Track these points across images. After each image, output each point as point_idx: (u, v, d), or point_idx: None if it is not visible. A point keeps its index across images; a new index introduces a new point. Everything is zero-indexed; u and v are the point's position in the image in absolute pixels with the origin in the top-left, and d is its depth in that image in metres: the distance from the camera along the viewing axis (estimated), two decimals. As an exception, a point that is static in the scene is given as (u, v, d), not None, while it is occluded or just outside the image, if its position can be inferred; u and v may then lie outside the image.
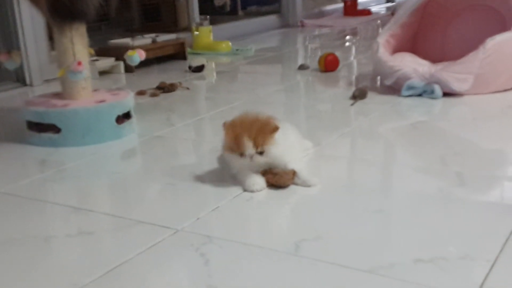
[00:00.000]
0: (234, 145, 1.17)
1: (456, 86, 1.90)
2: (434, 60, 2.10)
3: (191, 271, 0.90)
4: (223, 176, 1.29)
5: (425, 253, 0.92)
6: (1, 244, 1.02)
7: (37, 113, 1.59)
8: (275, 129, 1.17)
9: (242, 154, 1.17)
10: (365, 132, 1.63)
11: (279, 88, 2.26)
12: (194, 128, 1.75)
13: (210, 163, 1.38)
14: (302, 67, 2.58)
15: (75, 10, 1.54)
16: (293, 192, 1.20)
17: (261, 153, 1.17)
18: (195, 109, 2.01)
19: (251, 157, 1.17)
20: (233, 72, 2.67)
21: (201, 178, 1.30)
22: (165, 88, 2.23)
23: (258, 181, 1.20)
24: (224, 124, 1.19)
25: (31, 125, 1.62)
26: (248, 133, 1.15)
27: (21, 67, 2.39)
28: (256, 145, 1.16)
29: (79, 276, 0.89)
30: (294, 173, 1.22)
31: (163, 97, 2.16)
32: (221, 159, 1.33)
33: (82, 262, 0.95)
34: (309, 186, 1.21)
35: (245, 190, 1.20)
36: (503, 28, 2.01)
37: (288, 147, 1.23)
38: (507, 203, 1.12)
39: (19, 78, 2.47)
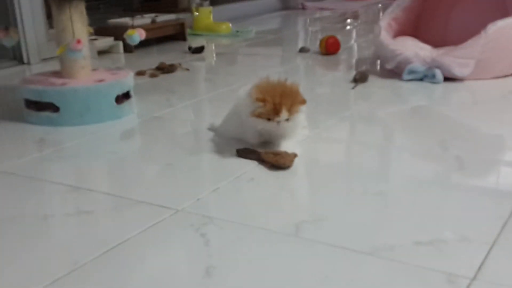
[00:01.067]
0: (271, 111, 1.19)
1: (457, 71, 1.89)
2: (435, 44, 2.08)
3: (191, 251, 0.90)
4: (224, 157, 1.28)
5: (424, 236, 0.92)
6: (0, 222, 1.02)
7: (35, 91, 1.58)
8: (304, 101, 1.23)
9: (270, 119, 1.21)
10: (365, 116, 1.63)
11: (279, 71, 2.25)
12: (193, 109, 1.74)
13: (210, 144, 1.37)
14: (302, 50, 2.57)
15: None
16: (293, 174, 1.19)
17: (287, 119, 1.22)
18: (194, 90, 1.99)
19: (279, 122, 1.21)
20: (233, 54, 2.65)
21: (201, 159, 1.29)
22: (164, 69, 2.21)
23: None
24: (257, 90, 1.21)
25: (29, 104, 1.61)
26: (286, 102, 1.19)
27: (18, 45, 2.37)
28: (290, 113, 1.21)
29: (78, 254, 0.89)
30: (295, 155, 1.22)
31: (162, 77, 2.14)
32: (227, 124, 1.38)
33: (81, 241, 0.95)
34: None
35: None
36: (505, 14, 2.00)
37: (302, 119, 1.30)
38: (505, 187, 1.12)
39: (16, 56, 2.44)
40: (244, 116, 1.26)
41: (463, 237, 0.92)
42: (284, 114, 1.20)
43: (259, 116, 1.21)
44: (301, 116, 1.27)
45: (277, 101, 1.19)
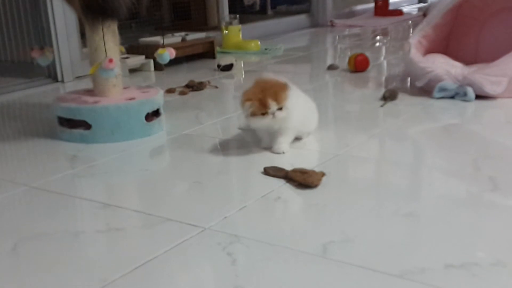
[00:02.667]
0: (260, 107, 1.32)
1: (489, 89, 1.86)
2: (467, 62, 2.06)
3: (218, 270, 0.90)
4: (251, 175, 1.29)
5: (456, 259, 0.90)
6: (32, 238, 1.04)
7: (68, 109, 1.61)
8: (286, 86, 1.35)
9: (264, 113, 1.33)
10: (395, 134, 1.61)
11: (307, 88, 2.25)
12: (221, 126, 1.75)
13: (237, 162, 1.38)
14: (331, 67, 2.56)
15: (107, 7, 1.55)
16: (321, 192, 1.19)
17: (280, 108, 1.33)
18: (223, 107, 2.01)
19: (273, 114, 1.33)
20: (262, 71, 2.67)
21: (228, 177, 1.30)
22: (194, 87, 2.24)
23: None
24: (244, 94, 1.35)
25: (62, 121, 1.65)
26: (269, 94, 1.32)
27: (53, 64, 2.44)
28: (277, 102, 1.32)
29: (108, 271, 0.90)
30: (323, 174, 1.21)
31: (191, 95, 2.17)
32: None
33: (110, 257, 0.96)
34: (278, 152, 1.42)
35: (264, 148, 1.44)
36: (539, 30, 1.96)
37: (299, 104, 1.42)
38: (542, 210, 1.09)
39: (51, 74, 2.51)
40: (246, 122, 1.43)
41: (497, 261, 0.89)
42: (272, 104, 1.31)
43: (253, 115, 1.33)
44: (292, 100, 1.36)
45: (261, 96, 1.31)
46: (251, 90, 1.35)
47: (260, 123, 1.36)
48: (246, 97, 1.33)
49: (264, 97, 1.31)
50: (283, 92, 1.33)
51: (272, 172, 1.26)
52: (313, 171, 1.22)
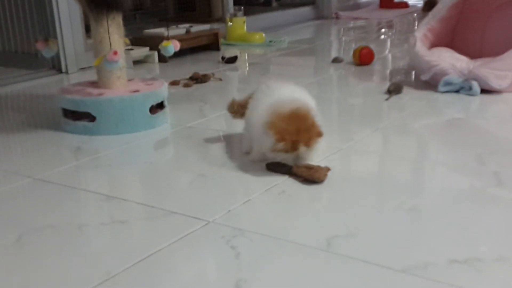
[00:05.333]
0: (289, 149, 1.19)
1: (495, 83, 1.85)
2: (472, 56, 2.05)
3: (222, 263, 0.91)
4: (255, 168, 1.29)
5: (460, 254, 0.90)
6: (36, 230, 1.04)
7: (72, 101, 1.61)
8: (320, 134, 1.21)
9: (288, 151, 1.21)
10: (399, 128, 1.61)
11: (311, 81, 2.24)
12: (226, 119, 1.74)
13: (242, 155, 1.37)
14: (336, 60, 2.55)
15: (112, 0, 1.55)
16: (325, 187, 1.19)
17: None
18: (227, 100, 1.99)
19: (298, 155, 1.21)
20: (266, 64, 2.66)
21: (232, 170, 1.30)
22: (198, 79, 2.24)
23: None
24: (273, 128, 1.19)
25: (66, 113, 1.65)
26: (304, 139, 1.19)
27: (57, 55, 2.44)
28: (308, 147, 1.20)
29: (112, 264, 0.91)
30: (328, 169, 1.21)
31: (196, 87, 2.17)
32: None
33: (114, 250, 0.96)
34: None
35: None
36: (546, 24, 1.94)
37: None
38: (547, 206, 1.09)
39: (55, 65, 2.51)
40: (259, 143, 1.27)
41: (500, 256, 0.89)
42: (302, 149, 1.20)
43: (278, 151, 1.20)
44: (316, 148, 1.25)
45: (294, 138, 1.18)
46: (284, 127, 1.19)
47: (281, 157, 1.23)
48: (280, 136, 1.18)
49: (297, 141, 1.19)
50: (317, 137, 1.21)
51: (274, 168, 1.26)
52: (319, 166, 1.21)
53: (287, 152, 1.20)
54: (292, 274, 0.86)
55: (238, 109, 1.45)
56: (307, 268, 0.88)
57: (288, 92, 1.30)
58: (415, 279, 0.84)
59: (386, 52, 2.85)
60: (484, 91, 1.87)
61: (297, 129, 1.18)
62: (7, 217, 1.11)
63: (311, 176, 1.18)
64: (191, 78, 2.25)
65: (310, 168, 1.20)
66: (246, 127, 1.39)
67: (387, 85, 2.01)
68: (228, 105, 1.48)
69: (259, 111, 1.26)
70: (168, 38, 1.87)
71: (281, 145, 1.19)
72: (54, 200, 1.18)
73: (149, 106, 1.63)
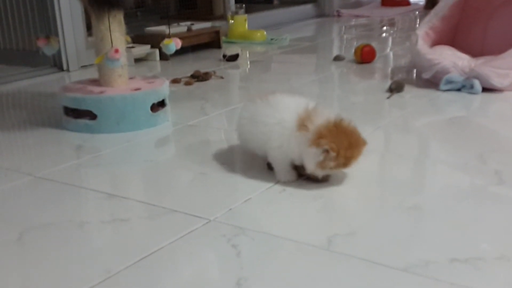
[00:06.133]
0: (341, 166, 1.13)
1: (496, 82, 1.85)
2: (474, 54, 2.04)
3: (223, 262, 0.91)
4: (256, 167, 1.28)
5: (461, 252, 0.90)
6: (37, 228, 1.04)
7: (74, 99, 1.61)
8: (365, 144, 1.16)
9: (339, 167, 1.14)
10: (401, 126, 1.61)
11: (313, 79, 2.24)
12: (227, 117, 1.75)
13: (243, 154, 1.37)
14: (337, 58, 2.55)
15: (113, -3, 1.55)
16: (325, 185, 1.19)
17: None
18: (228, 98, 2.01)
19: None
20: (267, 62, 2.66)
21: (234, 169, 1.30)
22: (199, 77, 2.23)
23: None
24: (326, 139, 1.10)
25: (67, 111, 1.65)
26: (356, 155, 1.13)
27: (58, 53, 2.44)
28: (356, 161, 1.15)
29: (113, 262, 0.91)
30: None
31: (197, 85, 2.16)
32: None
33: (115, 248, 0.96)
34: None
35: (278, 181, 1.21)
36: (548, 22, 1.94)
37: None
38: (548, 204, 1.09)
39: (56, 63, 2.51)
40: (291, 154, 1.17)
41: (501, 255, 0.89)
42: (353, 164, 1.13)
43: (327, 167, 1.12)
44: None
45: (348, 154, 1.11)
46: (336, 139, 1.10)
47: (326, 172, 1.15)
48: (335, 147, 1.10)
49: (351, 156, 1.12)
50: (363, 148, 1.15)
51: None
52: None
53: (338, 168, 1.12)
54: (293, 273, 0.86)
55: None
56: (308, 267, 0.88)
57: (297, 101, 1.20)
58: (416, 278, 0.84)
59: (388, 50, 2.85)
60: (485, 89, 1.87)
61: (349, 144, 1.11)
62: (8, 214, 1.11)
63: (311, 175, 1.18)
64: (192, 76, 2.25)
65: None
66: (251, 143, 1.26)
67: (388, 83, 2.01)
68: None
69: (280, 125, 1.17)
70: (169, 36, 1.87)
71: (332, 160, 1.10)
72: (55, 198, 1.18)
73: (150, 104, 1.63)
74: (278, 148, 1.18)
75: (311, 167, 1.13)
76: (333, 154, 1.10)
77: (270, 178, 1.22)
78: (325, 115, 1.14)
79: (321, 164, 1.11)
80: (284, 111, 1.18)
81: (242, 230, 1.00)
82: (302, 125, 1.14)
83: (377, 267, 0.87)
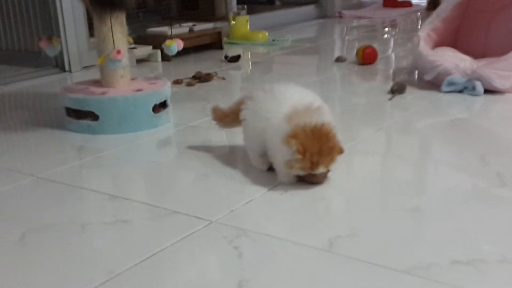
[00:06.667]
0: (307, 168, 1.13)
1: (498, 83, 1.85)
2: (476, 56, 2.04)
3: (225, 264, 0.91)
4: (257, 169, 1.28)
5: (463, 255, 0.90)
6: (40, 229, 1.05)
7: (75, 100, 1.62)
8: (341, 152, 1.15)
9: (304, 170, 1.14)
10: (402, 128, 1.61)
11: (314, 80, 2.24)
12: (229, 118, 1.74)
13: (244, 155, 1.37)
14: (339, 59, 2.55)
15: (115, -2, 1.55)
16: (327, 187, 1.19)
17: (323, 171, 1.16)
18: (230, 99, 1.99)
19: (315, 175, 1.15)
20: (269, 63, 2.66)
21: (235, 170, 1.30)
22: (201, 78, 2.24)
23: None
24: (296, 141, 1.11)
25: (69, 112, 1.65)
26: (324, 160, 1.12)
27: (60, 54, 2.44)
28: (326, 168, 1.15)
29: (114, 264, 0.91)
30: (328, 170, 1.20)
31: (198, 86, 2.17)
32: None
33: (117, 249, 0.96)
34: None
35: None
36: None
37: None
38: (550, 207, 1.09)
39: (58, 64, 2.51)
40: (273, 153, 1.19)
41: (503, 257, 0.89)
42: (320, 169, 1.13)
43: (292, 168, 1.13)
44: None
45: (315, 159, 1.11)
46: (307, 142, 1.11)
47: (294, 173, 1.16)
48: (301, 149, 1.10)
49: (318, 162, 1.12)
50: (334, 158, 1.14)
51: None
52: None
53: (303, 170, 1.13)
54: (294, 275, 0.87)
55: (222, 117, 1.37)
56: (310, 269, 0.88)
57: (304, 97, 1.21)
58: (417, 280, 0.84)
59: (390, 51, 2.85)
60: (487, 91, 1.86)
61: (319, 150, 1.11)
62: (10, 215, 1.12)
63: (309, 179, 1.18)
64: (194, 77, 2.25)
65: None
66: (250, 138, 1.28)
67: (390, 84, 2.01)
68: (212, 113, 1.39)
69: (276, 119, 1.17)
70: (171, 37, 1.87)
71: (299, 162, 1.11)
72: (57, 199, 1.18)
73: (152, 105, 1.63)
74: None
75: (278, 164, 1.15)
76: (298, 156, 1.10)
77: (271, 180, 1.22)
78: (308, 117, 1.14)
79: (287, 163, 1.12)
80: (281, 104, 1.19)
81: (243, 232, 1.00)
82: (287, 121, 1.14)
83: (378, 269, 0.87)
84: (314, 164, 1.12)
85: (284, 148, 1.12)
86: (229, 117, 1.36)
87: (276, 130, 1.16)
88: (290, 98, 1.20)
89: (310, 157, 1.11)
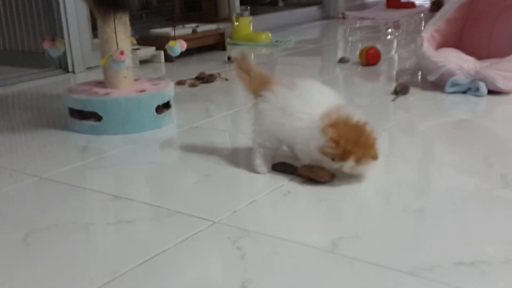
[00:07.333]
0: (338, 157, 1.13)
1: (502, 84, 1.84)
2: (479, 56, 2.04)
3: (228, 264, 0.91)
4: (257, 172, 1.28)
5: (466, 256, 0.89)
6: (42, 230, 1.05)
7: (79, 100, 1.62)
8: (376, 156, 1.16)
9: (334, 160, 1.14)
10: (406, 129, 1.60)
11: (318, 81, 2.23)
12: (231, 119, 1.75)
13: (247, 156, 1.37)
14: (342, 60, 2.55)
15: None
16: (331, 188, 1.18)
17: (351, 167, 1.16)
18: (233, 100, 2.01)
19: (342, 167, 1.15)
20: (272, 64, 2.66)
21: (238, 171, 1.30)
22: (204, 79, 2.24)
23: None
24: (334, 130, 1.12)
25: (73, 112, 1.65)
26: (357, 152, 1.13)
27: (64, 54, 2.44)
28: (356, 164, 1.14)
29: (118, 264, 0.91)
30: (333, 174, 1.19)
31: (202, 87, 2.17)
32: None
33: (120, 250, 0.96)
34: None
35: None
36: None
37: None
38: (554, 208, 1.08)
39: (62, 65, 2.52)
40: (302, 141, 1.19)
41: (507, 259, 0.89)
42: (349, 163, 1.13)
43: (325, 154, 1.14)
44: (366, 168, 1.18)
45: (348, 148, 1.11)
46: (345, 131, 1.12)
47: (324, 161, 1.16)
48: (336, 137, 1.11)
49: (349, 152, 1.12)
50: (372, 158, 1.15)
51: (281, 168, 1.26)
52: (319, 167, 1.19)
53: (333, 159, 1.13)
54: (297, 275, 0.86)
55: (245, 68, 1.29)
56: (313, 270, 0.88)
57: (333, 97, 1.26)
58: (421, 281, 0.83)
59: (393, 52, 2.84)
60: (491, 92, 1.86)
61: (355, 141, 1.12)
62: (13, 215, 1.12)
63: (313, 175, 1.18)
64: (197, 78, 2.26)
65: (311, 167, 1.19)
66: (263, 132, 1.26)
67: (393, 85, 2.00)
68: (239, 57, 1.31)
69: (315, 104, 1.19)
70: (174, 38, 1.87)
71: (331, 148, 1.12)
72: (60, 199, 1.19)
73: (155, 106, 1.64)
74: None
75: (313, 150, 1.15)
76: (332, 144, 1.11)
77: (274, 181, 1.22)
78: (349, 113, 1.16)
79: (321, 148, 1.13)
80: (322, 96, 1.24)
81: (247, 232, 1.00)
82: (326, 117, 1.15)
83: (382, 270, 0.87)
84: (346, 153, 1.12)
85: (318, 134, 1.13)
86: (249, 74, 1.30)
87: (312, 129, 1.16)
88: (321, 97, 1.23)
89: (344, 145, 1.11)
